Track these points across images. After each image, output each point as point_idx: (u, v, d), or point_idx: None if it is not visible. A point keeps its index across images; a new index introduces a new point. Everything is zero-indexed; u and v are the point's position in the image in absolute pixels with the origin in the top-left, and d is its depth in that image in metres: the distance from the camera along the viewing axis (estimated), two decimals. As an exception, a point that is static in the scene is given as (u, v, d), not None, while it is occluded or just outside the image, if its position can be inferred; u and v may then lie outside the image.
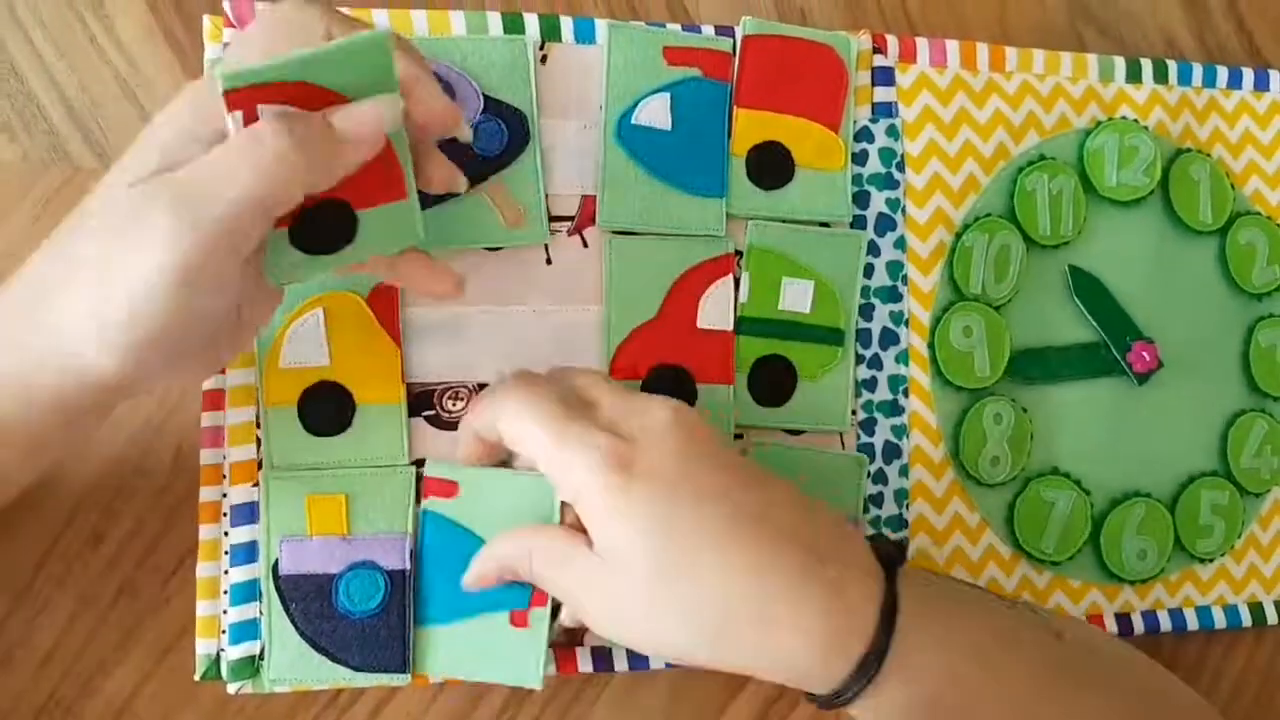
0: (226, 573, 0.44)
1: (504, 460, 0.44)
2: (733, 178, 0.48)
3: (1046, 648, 0.42)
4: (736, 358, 0.48)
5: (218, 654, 0.44)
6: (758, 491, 0.40)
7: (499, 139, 0.46)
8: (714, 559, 0.38)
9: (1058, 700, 0.41)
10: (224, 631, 0.44)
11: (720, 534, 0.38)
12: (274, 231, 0.36)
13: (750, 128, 0.49)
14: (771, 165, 0.49)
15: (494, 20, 0.47)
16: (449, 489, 0.44)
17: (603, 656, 0.47)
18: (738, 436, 0.47)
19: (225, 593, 0.44)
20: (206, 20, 0.45)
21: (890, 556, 0.41)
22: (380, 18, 0.46)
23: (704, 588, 0.38)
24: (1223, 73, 0.56)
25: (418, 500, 0.44)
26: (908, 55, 0.51)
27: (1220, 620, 0.54)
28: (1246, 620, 0.54)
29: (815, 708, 0.41)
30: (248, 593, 0.43)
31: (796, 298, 0.49)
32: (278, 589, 0.43)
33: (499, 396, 0.41)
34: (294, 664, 0.43)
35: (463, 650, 0.44)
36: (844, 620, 0.38)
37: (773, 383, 0.48)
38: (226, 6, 0.45)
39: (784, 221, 0.49)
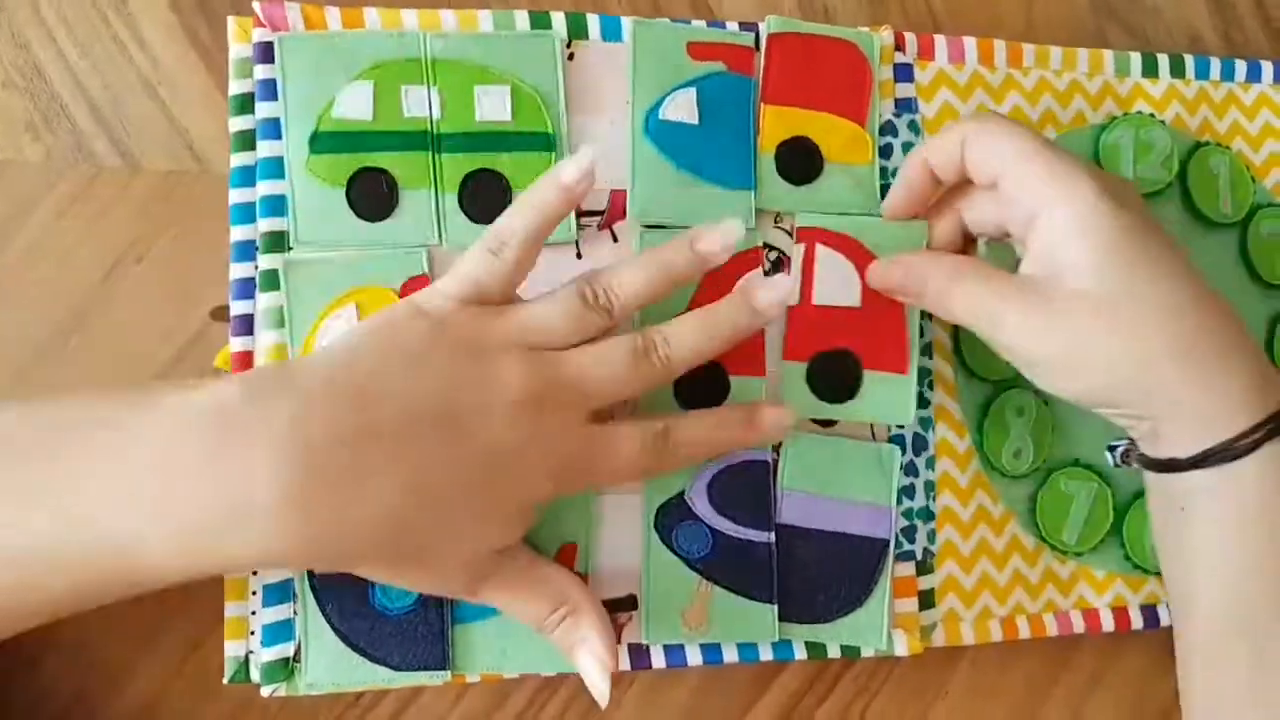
0: (256, 573, 0.43)
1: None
2: (762, 172, 0.48)
3: None
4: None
5: (246, 656, 0.43)
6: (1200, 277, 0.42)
7: (527, 135, 0.46)
8: (1166, 292, 0.40)
9: None
10: (253, 633, 0.43)
11: (1176, 275, 0.41)
12: None
13: (778, 124, 0.49)
14: (800, 160, 0.49)
15: (521, 18, 0.47)
16: None
17: (641, 653, 0.46)
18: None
19: (255, 593, 0.43)
20: (232, 22, 0.45)
21: None
22: (409, 18, 0.46)
23: (1150, 313, 0.40)
24: (1241, 66, 0.56)
25: None
26: (926, 52, 0.52)
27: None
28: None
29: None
30: (281, 593, 0.43)
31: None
32: (312, 587, 0.43)
33: (970, 123, 0.44)
34: (332, 666, 0.43)
35: (504, 645, 0.44)
36: (1266, 377, 0.41)
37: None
38: (257, 8, 0.45)
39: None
